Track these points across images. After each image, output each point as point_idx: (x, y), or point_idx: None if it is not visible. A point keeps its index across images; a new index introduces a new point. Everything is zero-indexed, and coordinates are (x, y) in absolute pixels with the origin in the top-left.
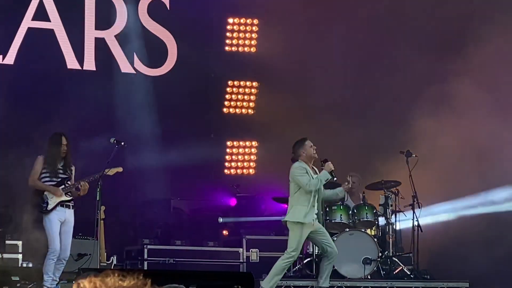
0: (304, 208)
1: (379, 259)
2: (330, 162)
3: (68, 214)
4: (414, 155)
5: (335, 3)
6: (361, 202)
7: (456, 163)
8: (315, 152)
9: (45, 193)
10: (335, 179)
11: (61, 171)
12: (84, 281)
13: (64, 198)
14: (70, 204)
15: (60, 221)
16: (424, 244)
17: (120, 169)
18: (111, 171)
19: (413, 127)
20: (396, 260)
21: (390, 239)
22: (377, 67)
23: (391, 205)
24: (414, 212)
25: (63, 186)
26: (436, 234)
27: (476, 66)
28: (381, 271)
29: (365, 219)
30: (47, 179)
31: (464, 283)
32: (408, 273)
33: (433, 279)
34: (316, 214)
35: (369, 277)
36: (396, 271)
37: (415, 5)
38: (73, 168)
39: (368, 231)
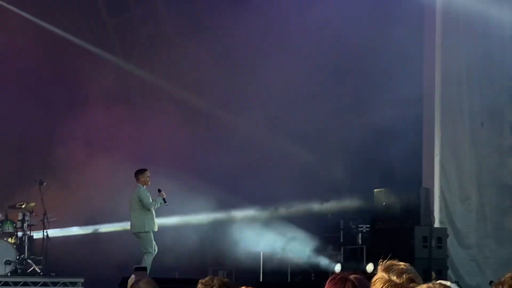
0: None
1: (16, 260)
2: (163, 192)
3: None
4: (45, 183)
5: None
6: (4, 218)
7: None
8: (149, 181)
9: None
10: (166, 204)
11: None
12: None
13: None
14: None
15: None
16: (53, 249)
17: None
18: None
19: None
20: (30, 261)
21: (26, 245)
22: None
23: (28, 220)
24: (44, 226)
25: None
26: (63, 243)
27: None
28: (18, 270)
29: (7, 231)
30: None
31: (80, 278)
32: (39, 271)
33: (58, 275)
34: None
35: (9, 274)
36: (29, 270)
37: None
38: None
39: (9, 239)
